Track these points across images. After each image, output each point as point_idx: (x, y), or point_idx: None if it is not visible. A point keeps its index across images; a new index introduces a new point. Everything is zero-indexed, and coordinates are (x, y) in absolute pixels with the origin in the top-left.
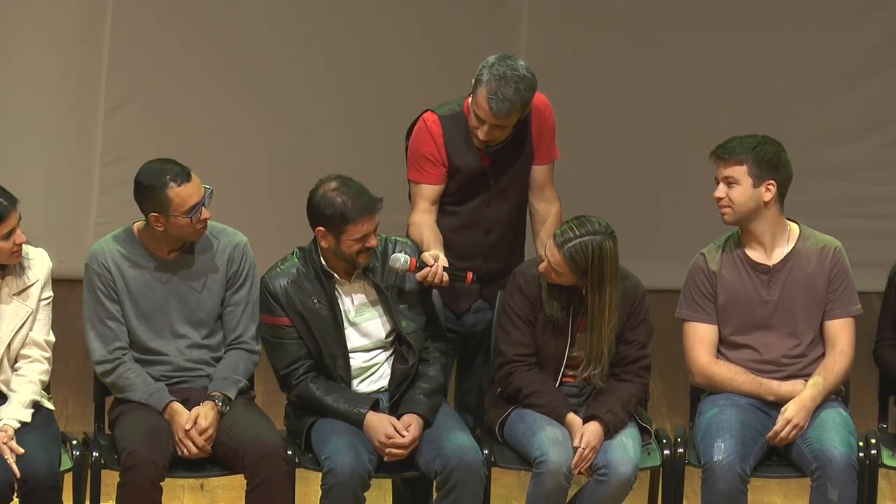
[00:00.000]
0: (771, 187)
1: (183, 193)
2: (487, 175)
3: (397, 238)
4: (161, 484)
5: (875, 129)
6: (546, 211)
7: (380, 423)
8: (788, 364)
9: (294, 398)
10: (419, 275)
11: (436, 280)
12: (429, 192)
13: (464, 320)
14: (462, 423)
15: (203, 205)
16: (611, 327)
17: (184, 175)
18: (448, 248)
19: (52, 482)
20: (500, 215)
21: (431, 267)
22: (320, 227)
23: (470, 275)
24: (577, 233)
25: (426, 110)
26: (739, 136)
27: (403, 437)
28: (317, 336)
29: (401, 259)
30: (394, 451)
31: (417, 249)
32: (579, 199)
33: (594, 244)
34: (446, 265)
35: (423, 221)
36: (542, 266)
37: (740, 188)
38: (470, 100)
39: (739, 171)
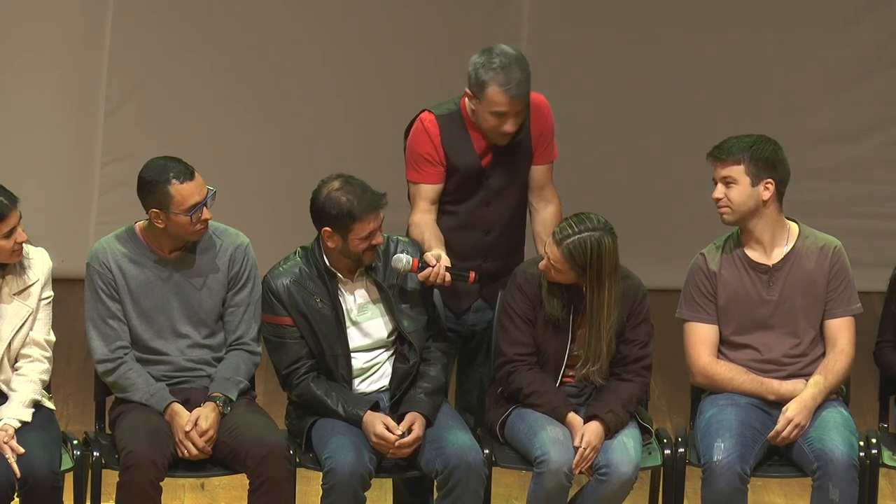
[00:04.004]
0: (769, 186)
1: (184, 191)
2: (486, 174)
3: (399, 237)
4: (161, 484)
5: (875, 129)
6: (546, 210)
7: (372, 423)
8: (789, 363)
9: (295, 398)
10: (421, 275)
11: (438, 280)
12: (428, 191)
13: (464, 320)
14: (463, 423)
15: (204, 205)
16: (610, 324)
17: (187, 173)
18: (447, 248)
19: (52, 482)
20: (500, 215)
21: (434, 267)
22: (326, 228)
23: (472, 274)
24: (576, 229)
25: (423, 110)
26: (735, 136)
27: (398, 434)
28: (319, 335)
29: (403, 260)
30: (395, 450)
31: (419, 249)
32: (579, 199)
33: (593, 240)
34: (448, 265)
35: (424, 221)
36: (541, 264)
37: (739, 188)
38: (466, 101)
39: (737, 171)
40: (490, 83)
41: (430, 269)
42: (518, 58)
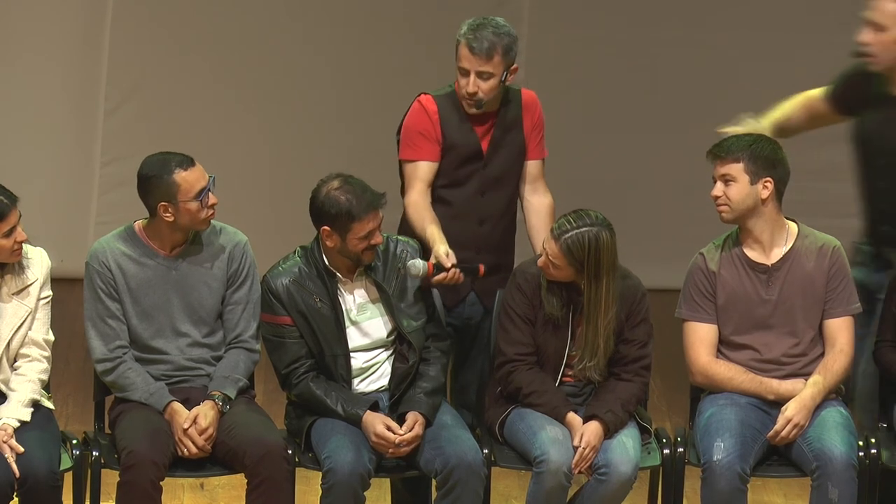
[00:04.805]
0: (768, 185)
1: (190, 178)
2: (483, 159)
3: (399, 237)
4: (161, 483)
5: None
6: (541, 204)
7: (372, 423)
8: (788, 363)
9: (294, 397)
10: (436, 279)
11: (452, 282)
12: (423, 170)
13: (458, 312)
14: (462, 423)
15: (210, 190)
16: (607, 320)
17: (188, 161)
18: None
19: (51, 481)
20: (495, 206)
21: (448, 273)
22: (325, 227)
23: (482, 267)
24: (575, 225)
25: (420, 94)
26: (735, 135)
27: (398, 434)
28: (318, 335)
29: (421, 269)
30: (395, 449)
31: (418, 247)
32: (579, 199)
33: (591, 235)
34: (455, 262)
35: (422, 204)
36: (540, 260)
37: (737, 186)
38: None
39: (736, 169)
40: (460, 39)
41: (444, 274)
42: (499, 25)
